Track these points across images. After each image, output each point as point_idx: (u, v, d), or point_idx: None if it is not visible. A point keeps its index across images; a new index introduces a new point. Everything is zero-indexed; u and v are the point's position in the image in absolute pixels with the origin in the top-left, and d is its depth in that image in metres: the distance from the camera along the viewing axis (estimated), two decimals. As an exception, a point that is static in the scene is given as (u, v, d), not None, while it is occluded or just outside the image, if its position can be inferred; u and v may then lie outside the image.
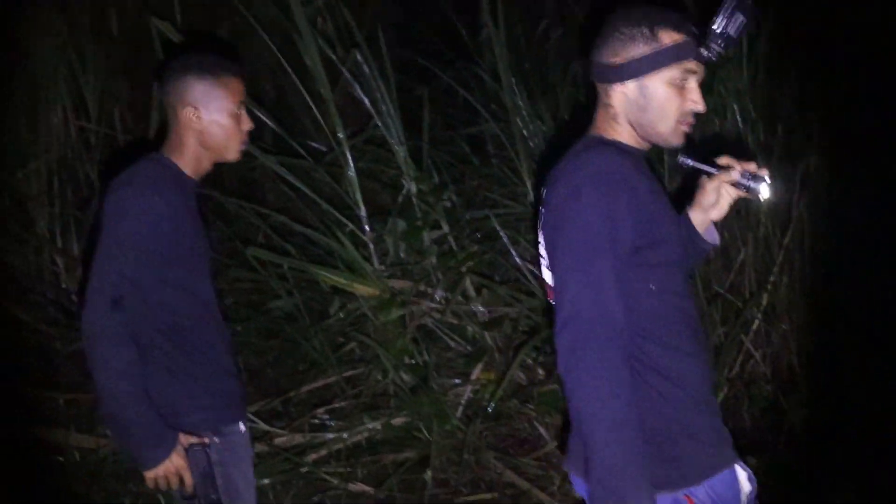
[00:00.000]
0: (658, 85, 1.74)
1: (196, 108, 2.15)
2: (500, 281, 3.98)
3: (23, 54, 4.66)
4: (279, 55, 4.14)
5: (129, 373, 2.01)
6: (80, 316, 2.05)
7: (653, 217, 1.71)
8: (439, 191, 4.08)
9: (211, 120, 2.15)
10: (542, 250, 1.85)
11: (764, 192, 1.82)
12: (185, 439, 2.11)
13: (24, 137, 4.63)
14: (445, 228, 4.00)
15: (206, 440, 2.13)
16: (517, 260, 3.90)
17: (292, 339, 4.08)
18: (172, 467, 2.08)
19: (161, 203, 2.05)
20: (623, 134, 1.79)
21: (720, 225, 2.01)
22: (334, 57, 4.13)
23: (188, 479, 2.11)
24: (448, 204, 4.10)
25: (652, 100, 1.75)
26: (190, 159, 2.19)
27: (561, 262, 1.70)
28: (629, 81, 1.74)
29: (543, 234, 1.81)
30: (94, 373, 2.02)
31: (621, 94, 1.76)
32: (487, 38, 4.50)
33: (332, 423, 3.74)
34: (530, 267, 3.90)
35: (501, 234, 3.88)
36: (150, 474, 2.08)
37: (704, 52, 1.74)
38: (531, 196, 3.89)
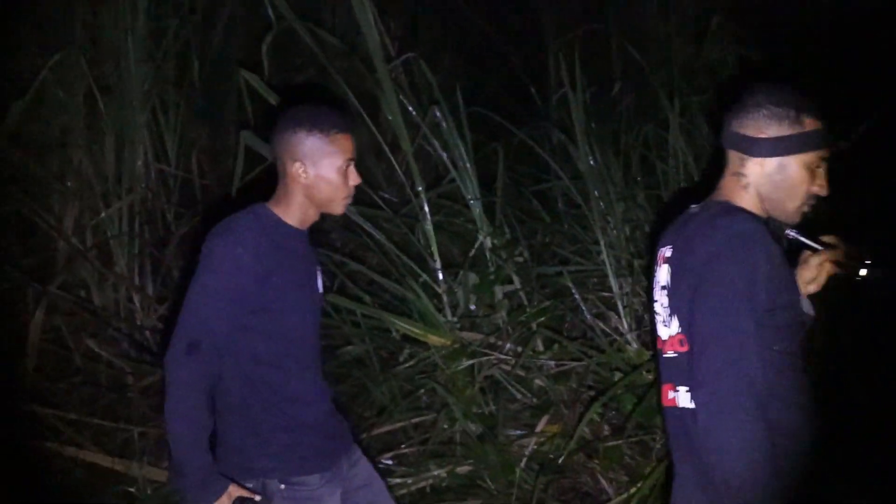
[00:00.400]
0: (796, 167, 1.87)
1: (304, 164, 2.22)
2: (570, 336, 4.02)
3: (113, 100, 4.84)
4: (357, 106, 4.26)
5: (189, 417, 2.12)
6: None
7: (783, 282, 1.83)
8: (512, 246, 4.16)
9: (318, 175, 2.22)
10: (660, 307, 1.92)
11: (862, 272, 1.91)
12: (235, 490, 2.17)
13: (109, 179, 4.78)
14: (517, 283, 4.07)
15: (256, 496, 2.19)
16: (587, 317, 3.95)
17: (362, 384, 4.14)
18: None
19: (246, 255, 2.12)
20: (749, 202, 1.92)
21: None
22: (413, 111, 4.26)
23: None
24: (520, 259, 4.17)
25: (787, 179, 1.88)
26: (295, 211, 2.27)
27: (704, 322, 1.80)
28: (770, 158, 1.87)
29: (671, 293, 1.88)
30: (165, 410, 2.14)
31: (758, 167, 1.89)
32: (559, 97, 4.62)
33: (398, 469, 3.78)
34: (600, 324, 3.95)
35: (573, 290, 3.93)
36: None
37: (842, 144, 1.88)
38: (604, 254, 3.94)
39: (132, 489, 3.67)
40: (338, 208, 2.30)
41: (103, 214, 4.65)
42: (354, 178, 2.28)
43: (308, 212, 2.29)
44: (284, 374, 2.25)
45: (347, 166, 2.26)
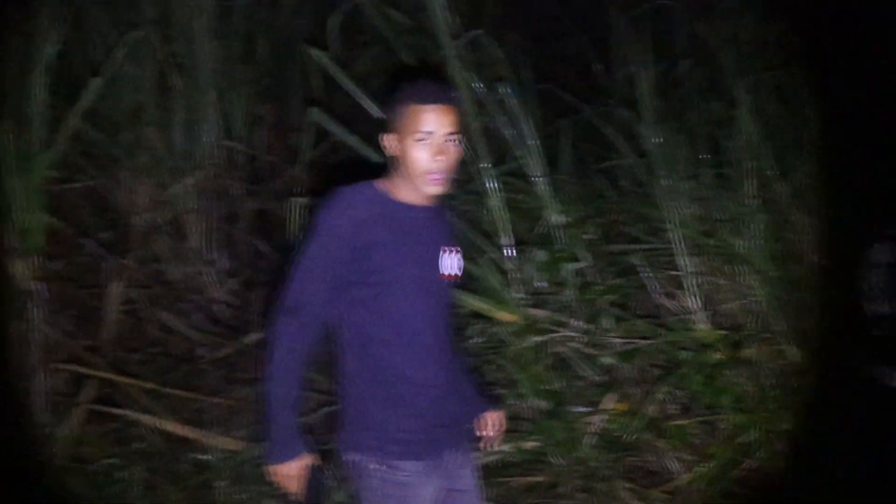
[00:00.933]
0: None
1: (393, 136, 2.23)
2: (638, 315, 4.02)
3: (183, 77, 4.92)
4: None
5: (278, 376, 2.17)
6: None
7: None
8: (580, 223, 4.16)
9: (403, 149, 2.21)
10: None
11: None
12: (311, 459, 2.21)
13: (179, 155, 4.87)
14: (585, 261, 4.07)
15: (322, 468, 2.23)
16: (655, 294, 3.94)
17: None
18: (283, 472, 2.20)
19: (344, 226, 2.16)
20: None
21: None
22: (478, 89, 4.26)
23: (293, 489, 2.21)
24: (588, 237, 4.17)
25: None
26: (401, 186, 2.26)
27: None
28: None
29: None
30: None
31: None
32: (625, 76, 4.58)
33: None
34: (669, 302, 3.94)
35: (641, 268, 3.92)
36: (269, 469, 2.22)
37: None
38: (672, 233, 3.93)
39: (205, 457, 3.76)
40: (424, 186, 2.24)
41: (174, 190, 4.73)
42: (438, 154, 2.21)
43: (410, 187, 2.26)
44: (393, 353, 2.24)
45: (428, 140, 2.20)
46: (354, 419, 2.28)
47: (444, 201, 2.38)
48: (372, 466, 2.23)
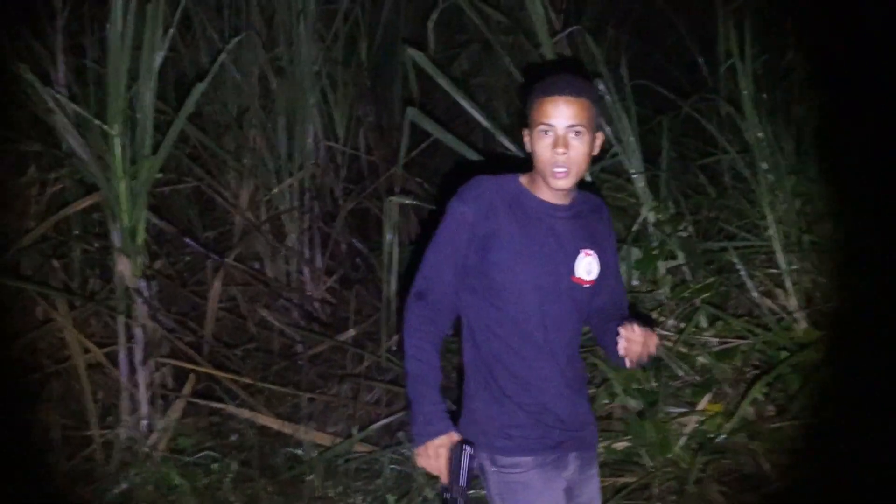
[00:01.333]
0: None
1: (528, 131, 2.19)
2: (735, 314, 3.91)
3: (285, 80, 5.04)
4: (520, 79, 4.26)
5: (415, 357, 2.20)
6: None
7: None
8: (676, 221, 4.07)
9: (532, 143, 2.17)
10: None
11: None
12: (456, 436, 2.17)
13: (281, 155, 4.99)
14: (681, 258, 3.99)
15: (469, 442, 2.15)
16: (754, 294, 3.83)
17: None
18: (428, 451, 2.17)
19: (469, 215, 2.16)
20: None
21: None
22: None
23: (438, 469, 2.17)
24: (684, 234, 4.08)
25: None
26: (538, 182, 2.20)
27: None
28: None
29: None
30: None
31: None
32: (727, 69, 4.46)
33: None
34: (767, 301, 3.82)
35: (738, 266, 3.81)
36: (415, 450, 2.22)
37: None
38: (771, 230, 3.80)
39: (299, 451, 3.84)
40: (550, 180, 2.16)
41: (276, 190, 4.85)
42: (559, 147, 2.11)
43: (545, 183, 2.20)
44: (504, 349, 2.21)
45: (550, 132, 2.12)
46: (465, 411, 2.28)
47: (594, 201, 2.34)
48: (491, 469, 2.22)
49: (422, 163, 5.41)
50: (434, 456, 2.18)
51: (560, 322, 2.22)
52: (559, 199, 2.21)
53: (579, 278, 2.23)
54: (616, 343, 2.15)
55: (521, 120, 2.24)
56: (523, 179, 2.24)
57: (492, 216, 2.17)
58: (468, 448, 2.13)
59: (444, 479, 2.16)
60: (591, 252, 2.25)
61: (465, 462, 2.13)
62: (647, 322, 2.24)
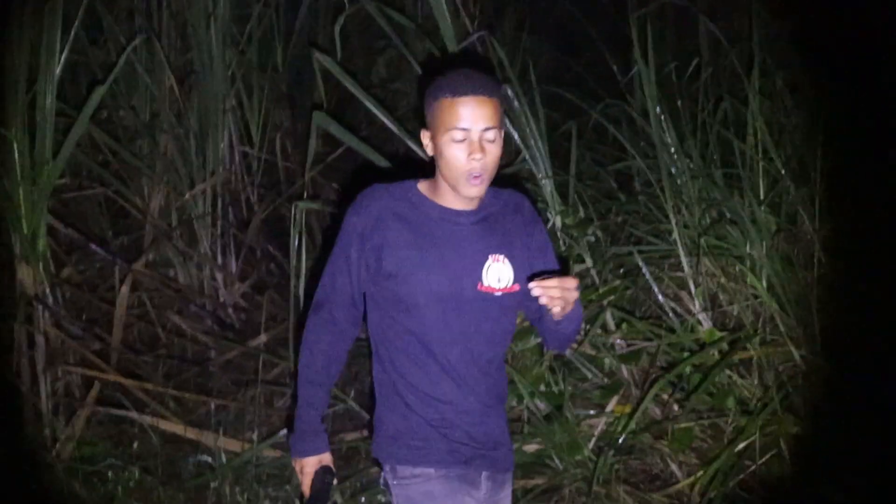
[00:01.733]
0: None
1: (429, 133, 2.06)
2: (641, 317, 3.97)
3: (196, 85, 4.98)
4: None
5: (304, 371, 2.19)
6: None
7: None
8: (584, 225, 4.12)
9: (437, 147, 2.02)
10: None
11: None
12: (326, 459, 2.23)
13: (194, 160, 4.92)
14: (588, 262, 4.03)
15: (332, 470, 2.23)
16: (659, 297, 3.89)
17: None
18: (299, 466, 2.23)
19: (358, 224, 2.08)
20: None
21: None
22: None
23: (304, 485, 2.22)
24: (592, 238, 4.13)
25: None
26: (440, 187, 2.09)
27: None
28: None
29: None
30: None
31: None
32: (638, 74, 4.53)
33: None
34: (671, 304, 3.88)
35: (644, 270, 3.87)
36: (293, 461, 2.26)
37: None
38: (675, 234, 3.87)
39: (208, 458, 3.79)
40: (462, 188, 2.02)
41: (187, 196, 4.78)
42: (475, 153, 1.98)
43: (452, 189, 2.06)
44: (407, 364, 2.12)
45: (464, 138, 1.98)
46: (375, 423, 2.23)
47: (510, 199, 2.20)
48: (392, 482, 2.17)
49: (339, 168, 5.39)
50: (300, 473, 2.23)
51: (466, 335, 2.10)
52: (463, 204, 2.09)
53: (488, 287, 2.09)
54: (548, 323, 2.07)
55: (419, 120, 2.12)
56: (422, 186, 2.14)
57: (380, 226, 2.07)
58: (329, 477, 2.21)
59: (306, 496, 2.22)
60: (502, 257, 2.10)
61: (324, 487, 2.20)
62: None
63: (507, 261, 2.11)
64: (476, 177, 1.99)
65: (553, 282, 1.93)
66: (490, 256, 2.09)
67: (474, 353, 2.12)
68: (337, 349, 2.20)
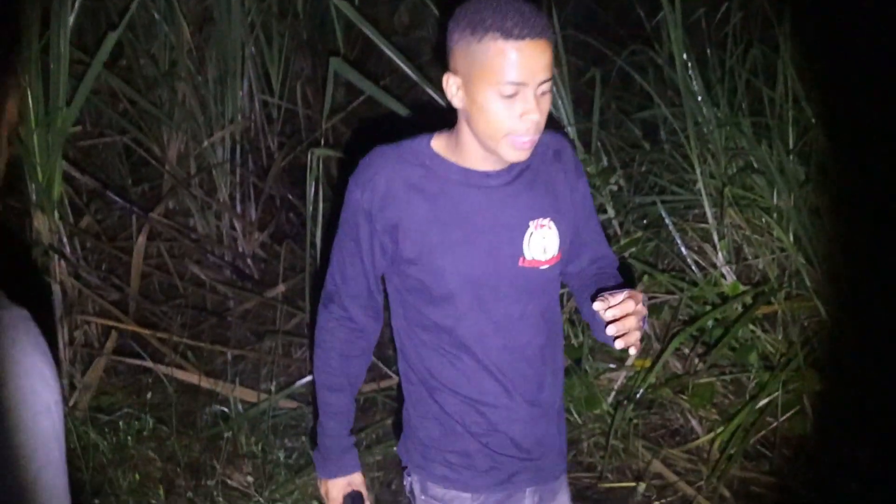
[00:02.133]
0: None
1: (458, 78, 1.64)
2: (664, 269, 3.88)
3: (214, 33, 4.90)
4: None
5: (324, 381, 1.89)
6: None
7: None
8: (607, 174, 4.03)
9: (472, 97, 1.62)
10: None
11: None
12: (358, 479, 1.93)
13: (213, 109, 4.86)
14: (610, 213, 3.95)
15: (362, 496, 1.92)
16: (682, 249, 3.80)
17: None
18: (324, 490, 1.95)
19: (363, 201, 1.72)
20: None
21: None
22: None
23: None
24: (615, 188, 4.04)
25: None
26: (464, 146, 1.70)
27: None
28: None
29: None
30: None
31: None
32: (665, 20, 4.39)
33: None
34: (695, 256, 3.79)
35: (668, 221, 3.78)
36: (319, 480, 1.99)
37: None
38: (700, 183, 3.76)
39: (222, 408, 3.78)
40: (505, 151, 1.64)
41: (206, 144, 4.73)
42: (528, 113, 1.59)
43: (478, 149, 1.69)
44: (441, 361, 1.80)
45: (515, 93, 1.58)
46: (404, 423, 1.94)
47: (549, 143, 1.80)
48: (420, 497, 1.89)
49: (363, 116, 5.31)
50: (325, 496, 1.94)
51: (509, 323, 1.77)
52: (493, 163, 1.71)
53: (532, 261, 1.75)
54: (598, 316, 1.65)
55: (441, 62, 1.74)
56: (437, 143, 1.75)
57: (391, 202, 1.70)
58: (359, 503, 1.92)
59: None
60: (547, 221, 1.75)
61: None
62: (624, 282, 1.83)
63: (552, 224, 1.76)
64: (527, 140, 1.62)
65: (626, 305, 1.58)
66: (531, 222, 1.74)
67: (520, 342, 1.79)
68: (355, 347, 1.86)
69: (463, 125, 1.69)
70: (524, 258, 1.74)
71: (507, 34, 1.54)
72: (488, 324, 1.76)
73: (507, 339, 1.78)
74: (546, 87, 1.60)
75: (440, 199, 1.71)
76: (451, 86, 1.66)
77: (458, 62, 1.63)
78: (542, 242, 1.75)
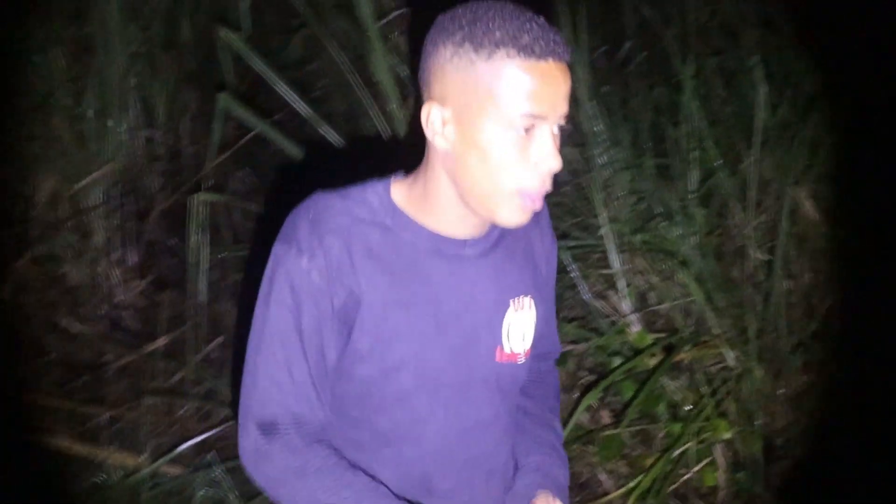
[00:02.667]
0: None
1: (446, 108, 1.27)
2: (567, 318, 3.74)
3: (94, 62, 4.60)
4: (352, 69, 4.00)
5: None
6: None
7: None
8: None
9: (474, 136, 1.25)
10: None
11: None
12: None
13: (91, 145, 4.54)
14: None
15: None
16: (586, 295, 3.66)
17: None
18: None
19: (315, 274, 1.29)
20: None
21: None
22: (403, 73, 3.97)
23: None
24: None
25: None
26: (428, 199, 1.32)
27: None
28: None
29: None
30: None
31: None
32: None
33: None
34: (600, 304, 3.67)
35: (570, 267, 3.65)
36: None
37: None
38: (604, 228, 3.64)
39: (100, 477, 3.47)
40: (503, 210, 1.28)
41: (82, 183, 4.40)
42: (541, 154, 1.25)
43: (463, 208, 1.32)
44: (371, 463, 1.42)
45: (530, 126, 1.23)
46: None
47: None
48: None
49: (255, 154, 5.06)
50: None
51: (474, 429, 1.44)
52: (468, 228, 1.35)
53: (511, 353, 1.43)
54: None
55: (412, 90, 1.39)
56: (397, 194, 1.36)
57: (347, 274, 1.29)
58: None
59: None
60: (527, 300, 1.44)
61: None
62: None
63: (532, 303, 1.45)
64: (538, 199, 1.28)
65: None
66: (512, 302, 1.42)
67: (480, 451, 1.47)
68: (332, 452, 1.38)
69: (438, 173, 1.31)
70: (502, 349, 1.42)
71: (527, 52, 1.20)
72: (445, 436, 1.41)
73: (465, 451, 1.45)
74: (563, 124, 1.27)
75: (405, 274, 1.33)
76: (435, 120, 1.28)
77: (447, 88, 1.25)
78: (521, 327, 1.42)
